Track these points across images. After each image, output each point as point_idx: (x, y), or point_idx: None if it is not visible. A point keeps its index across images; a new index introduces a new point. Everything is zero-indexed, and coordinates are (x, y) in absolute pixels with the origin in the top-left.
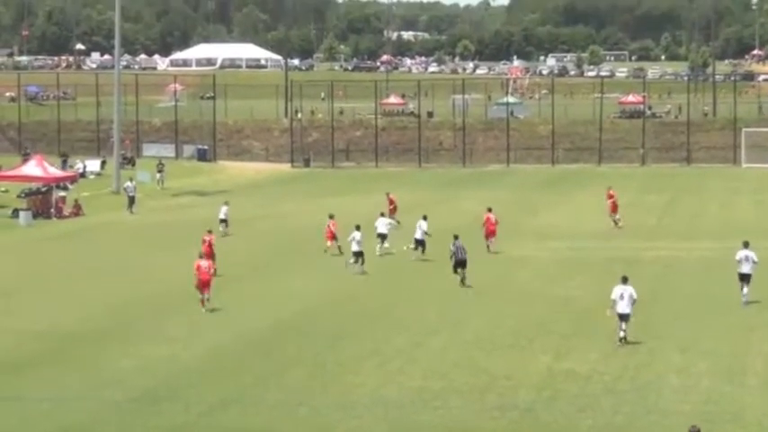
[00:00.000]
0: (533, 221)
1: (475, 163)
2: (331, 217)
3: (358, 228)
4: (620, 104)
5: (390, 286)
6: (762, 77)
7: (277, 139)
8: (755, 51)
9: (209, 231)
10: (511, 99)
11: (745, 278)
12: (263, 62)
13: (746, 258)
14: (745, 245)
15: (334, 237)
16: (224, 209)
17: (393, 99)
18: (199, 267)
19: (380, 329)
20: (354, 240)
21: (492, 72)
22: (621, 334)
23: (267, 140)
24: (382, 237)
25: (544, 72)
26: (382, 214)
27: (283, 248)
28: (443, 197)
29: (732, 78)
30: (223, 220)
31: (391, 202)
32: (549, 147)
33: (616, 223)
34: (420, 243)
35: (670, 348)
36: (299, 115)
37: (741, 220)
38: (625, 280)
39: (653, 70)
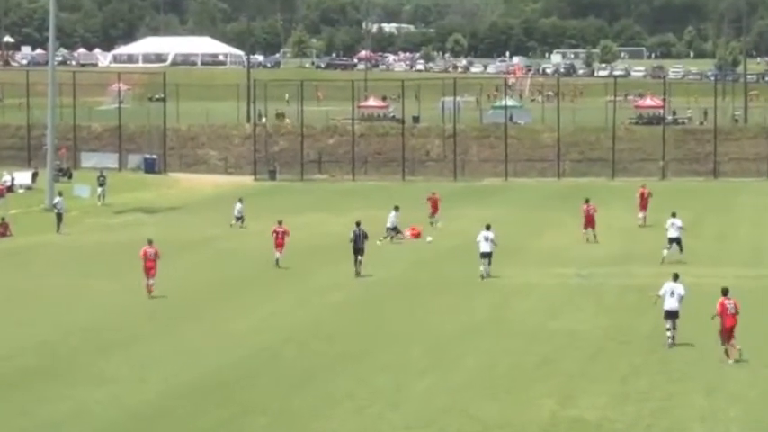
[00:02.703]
0: (536, 244)
1: (468, 176)
2: (280, 223)
3: (488, 227)
4: (636, 109)
5: (368, 319)
6: None
7: (238, 148)
8: None
9: (280, 223)
10: (509, 102)
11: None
12: (221, 58)
13: None
14: None
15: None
16: (238, 206)
17: (373, 101)
18: (145, 253)
19: (356, 369)
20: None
21: (488, 71)
22: (669, 334)
23: (226, 149)
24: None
25: (548, 71)
26: (488, 227)
27: (244, 275)
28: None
29: (766, 79)
30: (239, 218)
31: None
32: (554, 158)
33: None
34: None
35: (693, 391)
36: (264, 120)
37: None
38: (676, 277)
39: (674, 69)
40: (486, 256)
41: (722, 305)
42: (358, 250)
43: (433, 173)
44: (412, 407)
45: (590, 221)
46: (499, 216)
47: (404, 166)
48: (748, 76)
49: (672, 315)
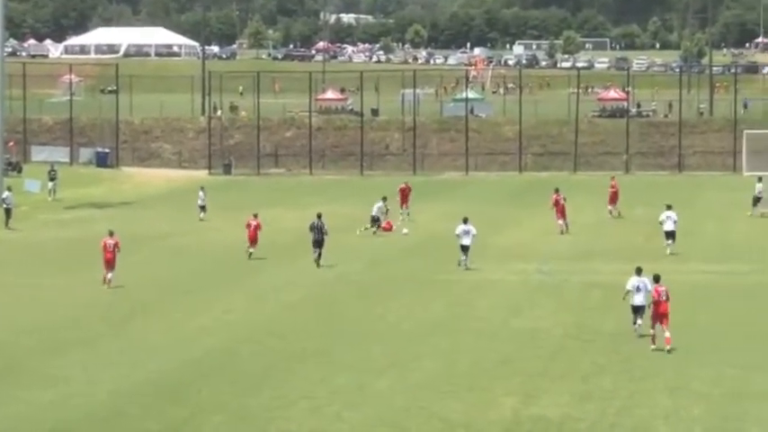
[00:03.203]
0: (496, 240)
1: (428, 170)
2: (255, 216)
3: (466, 221)
4: (599, 101)
5: (327, 317)
6: (767, 70)
7: (192, 142)
8: (760, 39)
9: (255, 216)
10: (471, 94)
11: None
12: (175, 49)
13: None
14: None
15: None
16: (201, 194)
17: (331, 94)
18: (105, 245)
19: (315, 368)
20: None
21: (448, 63)
22: (635, 326)
23: (180, 143)
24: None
25: (510, 62)
26: (465, 220)
27: (198, 271)
28: (394, 213)
29: (732, 71)
30: (202, 207)
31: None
32: (516, 151)
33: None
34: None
35: (657, 390)
36: (219, 113)
37: (741, 238)
38: (639, 271)
39: (639, 61)
40: (466, 249)
41: (657, 292)
42: (317, 242)
43: (392, 167)
44: (371, 406)
45: (561, 211)
46: (460, 211)
47: (362, 159)
48: (714, 68)
49: (638, 310)
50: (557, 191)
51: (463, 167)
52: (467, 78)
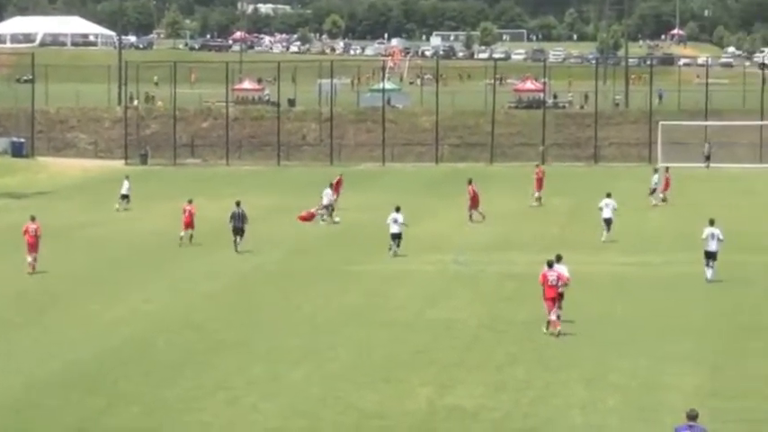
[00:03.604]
0: (413, 230)
1: (345, 160)
2: (189, 202)
3: (398, 209)
4: (516, 92)
5: (243, 307)
6: (683, 62)
7: (108, 132)
8: (675, 31)
9: (190, 201)
10: (388, 85)
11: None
12: (91, 39)
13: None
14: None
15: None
16: (126, 184)
17: (248, 84)
18: (27, 230)
19: (231, 359)
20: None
21: (366, 53)
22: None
23: (96, 133)
24: (395, 237)
25: (427, 53)
26: (397, 209)
27: (114, 261)
28: (306, 202)
29: (648, 63)
30: (125, 196)
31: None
32: (433, 142)
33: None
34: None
35: (572, 380)
36: (136, 102)
37: (656, 229)
38: (559, 259)
39: (555, 52)
40: (396, 237)
41: (543, 276)
42: (237, 230)
43: (308, 157)
44: (287, 397)
45: (475, 202)
46: (377, 201)
47: (279, 150)
48: (630, 60)
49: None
50: (470, 182)
51: (380, 158)
52: (384, 69)
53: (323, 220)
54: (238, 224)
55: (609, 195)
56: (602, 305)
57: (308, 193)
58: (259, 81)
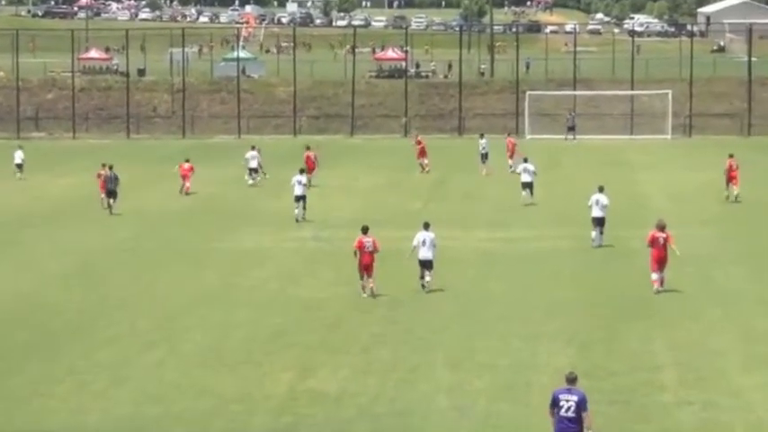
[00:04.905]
0: (272, 206)
1: (198, 133)
2: (108, 167)
3: (302, 171)
4: (376, 61)
5: (92, 289)
6: (549, 29)
7: None
8: None
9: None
10: (242, 54)
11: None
12: None
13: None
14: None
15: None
16: (19, 153)
17: (95, 53)
18: None
19: (79, 342)
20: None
21: (219, 21)
22: (424, 282)
23: None
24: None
25: (284, 20)
26: (302, 171)
27: None
28: (157, 176)
29: (514, 30)
30: (19, 165)
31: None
32: (291, 113)
33: (423, 168)
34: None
35: (438, 362)
36: None
37: (523, 207)
38: (427, 226)
39: (417, 19)
40: (300, 198)
41: (359, 242)
42: (110, 193)
43: (160, 130)
44: (139, 382)
45: (311, 168)
46: (231, 175)
47: (128, 122)
48: (495, 27)
49: (425, 265)
50: (308, 148)
51: (235, 130)
52: (238, 37)
53: (252, 180)
54: (111, 186)
55: (526, 160)
56: (471, 283)
57: (160, 166)
58: (107, 50)
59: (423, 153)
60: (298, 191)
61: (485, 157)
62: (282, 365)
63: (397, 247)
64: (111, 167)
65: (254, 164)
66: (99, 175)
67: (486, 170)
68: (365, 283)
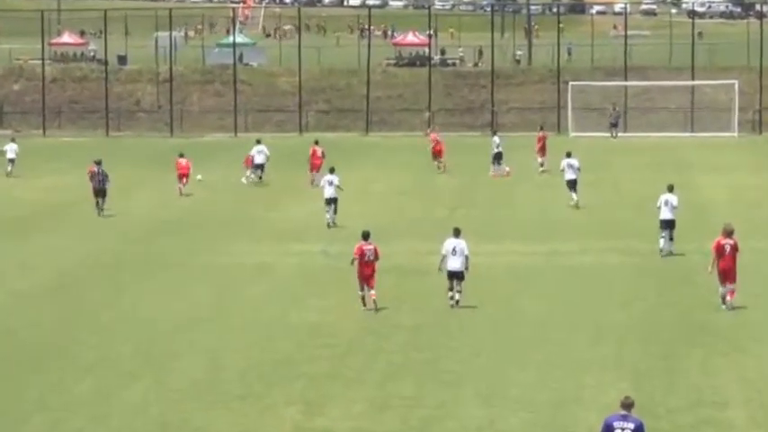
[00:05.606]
0: (273, 215)
1: (188, 131)
2: (98, 163)
3: (332, 170)
4: (395, 46)
5: (65, 308)
6: (596, 9)
7: None
8: None
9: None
10: (240, 38)
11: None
12: None
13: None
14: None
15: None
16: (12, 146)
17: (68, 38)
18: None
19: (50, 373)
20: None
21: (211, 0)
22: (455, 296)
23: None
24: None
25: (287, 0)
26: (332, 170)
27: None
28: (142, 178)
29: (554, 11)
30: (11, 160)
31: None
32: (296, 108)
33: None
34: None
35: (467, 397)
36: None
37: (562, 212)
38: (457, 232)
39: None
40: (332, 201)
41: (359, 249)
42: (99, 192)
43: (144, 126)
44: (120, 419)
45: (318, 167)
46: (226, 179)
47: (107, 118)
48: (532, 7)
49: (455, 277)
50: (316, 142)
51: (231, 128)
52: (234, 18)
53: (248, 180)
54: (100, 185)
55: (569, 155)
56: (505, 303)
57: (146, 168)
58: (82, 34)
59: (439, 152)
60: (328, 192)
61: (498, 157)
62: (286, 399)
63: (418, 263)
64: (99, 163)
65: (260, 159)
66: (90, 173)
67: (494, 172)
68: (365, 294)
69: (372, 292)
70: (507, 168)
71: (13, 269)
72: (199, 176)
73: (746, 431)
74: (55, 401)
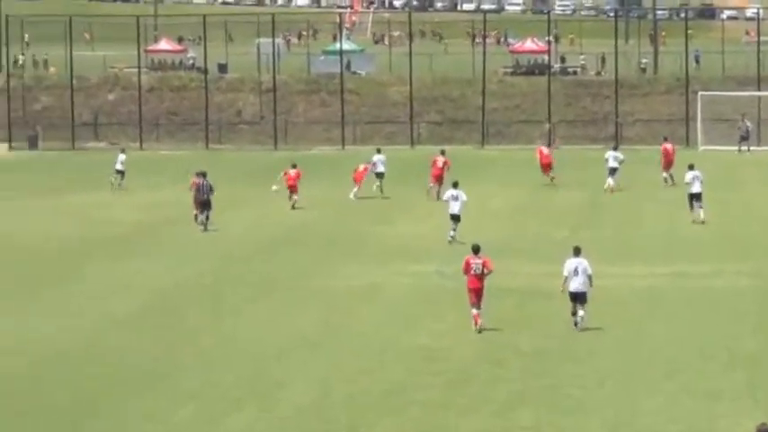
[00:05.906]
0: (382, 231)
1: (293, 143)
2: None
3: (456, 185)
4: (512, 54)
5: (165, 333)
6: (727, 14)
7: None
8: None
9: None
10: (347, 45)
11: None
12: None
13: None
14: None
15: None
16: (121, 157)
17: (166, 44)
18: None
19: (151, 399)
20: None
21: (318, 5)
22: (577, 319)
23: None
24: (455, 218)
25: (397, 4)
26: (455, 184)
27: (3, 274)
28: (244, 194)
29: (683, 16)
30: (120, 172)
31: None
32: (407, 119)
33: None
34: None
35: (592, 427)
36: (21, 61)
37: (689, 230)
38: (578, 251)
39: (562, 3)
40: (457, 219)
41: (467, 263)
42: (203, 204)
43: (246, 139)
44: None
45: (438, 178)
46: (334, 197)
47: (207, 130)
48: (659, 12)
49: (577, 298)
50: (442, 152)
51: (338, 140)
52: (341, 24)
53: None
54: (203, 197)
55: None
56: (632, 329)
57: (248, 184)
58: (180, 40)
59: (547, 165)
60: (454, 208)
61: (613, 171)
62: (397, 429)
63: (538, 285)
64: (204, 174)
65: (381, 168)
66: (193, 185)
67: (610, 185)
68: (477, 311)
69: (475, 311)
70: (612, 183)
71: (111, 293)
72: (274, 187)
73: None
74: (156, 428)
